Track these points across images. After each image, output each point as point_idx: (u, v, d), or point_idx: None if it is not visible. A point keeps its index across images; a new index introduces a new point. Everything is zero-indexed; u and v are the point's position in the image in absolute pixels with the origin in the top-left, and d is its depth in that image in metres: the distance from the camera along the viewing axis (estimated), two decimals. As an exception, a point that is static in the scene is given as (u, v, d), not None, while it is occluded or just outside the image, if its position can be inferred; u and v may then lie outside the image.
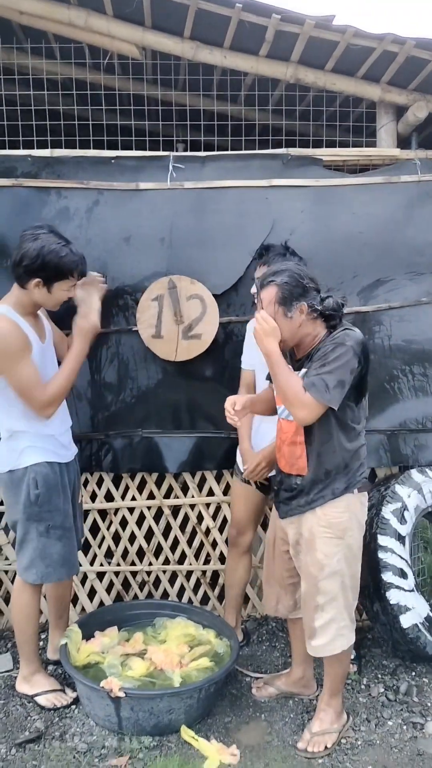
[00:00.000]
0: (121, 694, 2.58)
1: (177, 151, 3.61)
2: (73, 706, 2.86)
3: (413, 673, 3.14)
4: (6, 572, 3.50)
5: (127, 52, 3.42)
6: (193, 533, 3.57)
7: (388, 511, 3.08)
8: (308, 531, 2.57)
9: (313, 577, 2.57)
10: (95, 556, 3.51)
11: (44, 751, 2.61)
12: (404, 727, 2.79)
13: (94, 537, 3.51)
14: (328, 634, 2.57)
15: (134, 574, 3.57)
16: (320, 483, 2.53)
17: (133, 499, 3.50)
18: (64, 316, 2.91)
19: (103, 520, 3.51)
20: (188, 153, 3.35)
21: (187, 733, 2.65)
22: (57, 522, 2.77)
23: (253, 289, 2.98)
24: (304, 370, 2.49)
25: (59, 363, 2.84)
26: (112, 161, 3.27)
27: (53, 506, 2.76)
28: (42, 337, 2.76)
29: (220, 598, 3.56)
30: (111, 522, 3.51)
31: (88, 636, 2.99)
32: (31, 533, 2.74)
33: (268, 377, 2.70)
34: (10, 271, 2.67)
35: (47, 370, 2.75)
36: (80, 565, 3.18)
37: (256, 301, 2.95)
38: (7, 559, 3.46)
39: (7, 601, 3.51)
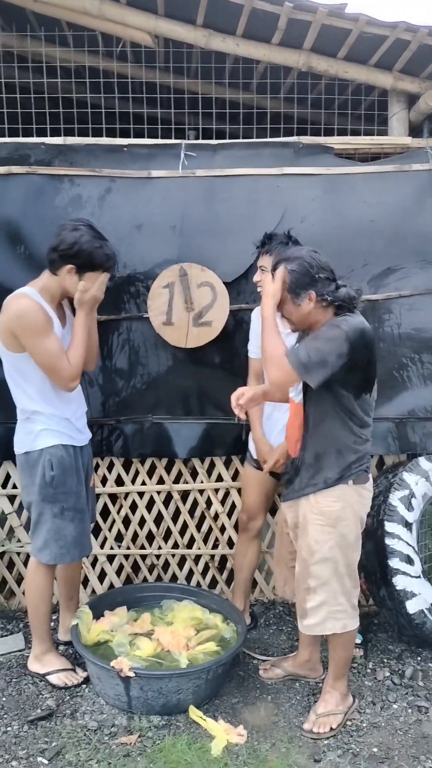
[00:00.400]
0: (131, 674, 2.63)
1: (189, 138, 3.62)
2: (84, 685, 2.92)
3: (419, 658, 3.18)
4: (18, 554, 3.55)
5: (140, 40, 3.43)
6: (202, 518, 3.61)
7: (395, 498, 3.11)
8: (302, 516, 2.63)
9: (304, 560, 2.63)
10: (105, 539, 3.56)
11: (55, 728, 2.67)
12: (409, 711, 2.83)
13: (105, 521, 3.56)
14: (319, 615, 2.62)
15: (144, 557, 3.63)
16: (311, 468, 2.57)
17: (143, 483, 3.55)
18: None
19: (114, 504, 3.56)
20: (200, 141, 3.36)
21: (195, 713, 2.70)
22: (71, 504, 2.81)
23: (257, 277, 3.01)
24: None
25: None
26: (125, 149, 3.29)
27: (67, 488, 2.80)
28: (63, 322, 2.80)
29: (228, 582, 3.61)
30: (121, 506, 3.56)
31: (98, 617, 3.05)
32: (46, 514, 2.79)
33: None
34: (46, 255, 2.72)
35: None
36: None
37: (259, 289, 3.00)
38: (19, 541, 3.52)
39: (18, 582, 3.57)
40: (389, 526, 3.06)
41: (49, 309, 2.70)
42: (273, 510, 3.45)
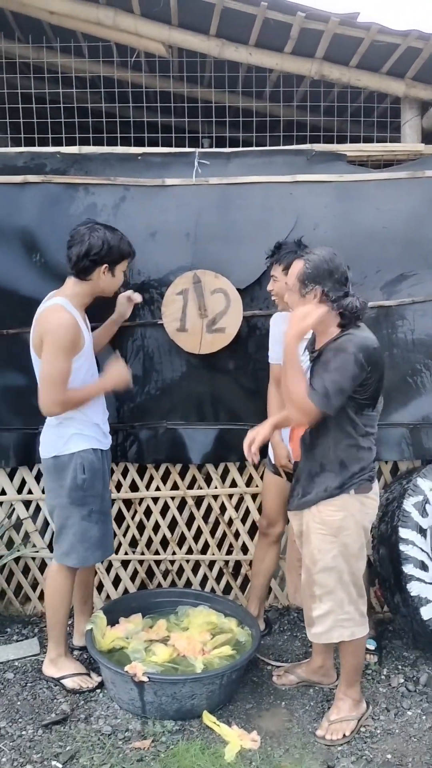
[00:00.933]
0: (145, 679, 2.64)
1: (202, 146, 3.66)
2: (98, 690, 2.93)
3: (433, 665, 3.17)
4: (33, 559, 3.58)
5: (154, 50, 3.47)
6: (216, 524, 3.62)
7: (409, 504, 3.10)
8: (306, 525, 2.64)
9: (308, 569, 2.64)
10: (120, 544, 3.58)
11: (70, 732, 2.69)
12: (423, 718, 2.81)
13: (120, 526, 3.58)
14: (326, 623, 2.62)
15: (158, 562, 3.64)
16: (315, 476, 2.57)
17: (158, 489, 3.56)
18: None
19: (128, 510, 3.58)
20: (213, 149, 3.39)
21: (208, 719, 2.71)
22: (97, 507, 2.88)
23: (270, 286, 3.02)
24: (309, 364, 2.54)
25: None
26: (139, 158, 3.33)
27: (96, 491, 2.86)
28: (88, 331, 2.88)
29: (243, 587, 3.62)
30: (136, 511, 3.58)
31: (112, 622, 3.07)
32: (74, 517, 2.84)
33: None
34: (72, 266, 2.78)
35: (90, 361, 2.89)
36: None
37: (273, 298, 3.02)
38: (34, 546, 3.55)
39: (34, 587, 3.60)
40: (403, 532, 3.05)
41: (80, 319, 2.78)
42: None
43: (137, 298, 3.17)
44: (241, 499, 3.59)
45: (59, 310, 2.72)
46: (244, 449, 2.65)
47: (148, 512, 3.59)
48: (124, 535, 3.59)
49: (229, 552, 3.64)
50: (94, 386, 2.86)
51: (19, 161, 3.32)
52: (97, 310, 3.00)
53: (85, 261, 2.75)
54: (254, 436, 2.65)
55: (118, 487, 3.55)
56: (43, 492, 3.41)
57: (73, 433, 2.81)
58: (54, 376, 2.69)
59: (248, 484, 3.56)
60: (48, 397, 2.71)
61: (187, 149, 3.36)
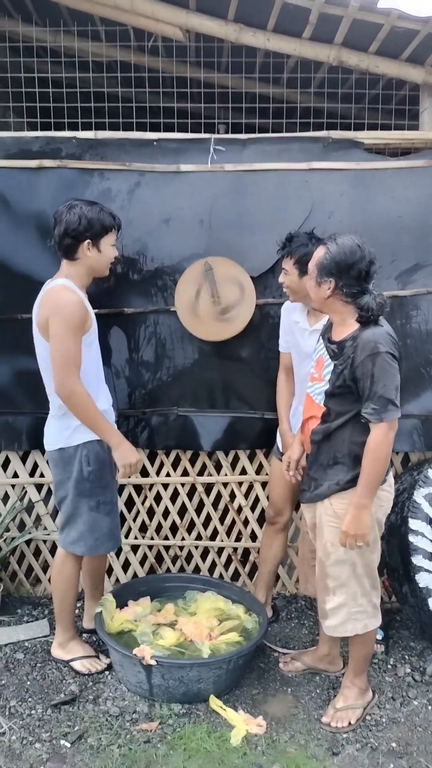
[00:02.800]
0: (153, 662, 2.67)
1: (218, 132, 3.63)
2: (107, 672, 2.97)
3: (440, 656, 3.18)
4: (45, 542, 3.61)
5: (171, 35, 3.44)
6: (225, 511, 3.63)
7: (420, 496, 3.10)
8: (319, 518, 2.64)
9: (321, 561, 2.64)
10: (130, 529, 3.61)
11: (78, 713, 2.72)
12: (429, 707, 2.83)
13: (129, 511, 3.60)
14: (339, 616, 2.63)
15: (167, 548, 3.66)
16: (328, 468, 2.56)
17: (168, 475, 3.58)
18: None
19: (138, 495, 3.60)
20: (229, 135, 3.36)
21: (215, 703, 2.74)
22: (107, 498, 2.86)
23: (281, 278, 3.00)
24: (331, 367, 2.51)
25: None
26: (154, 143, 3.31)
27: (103, 482, 2.84)
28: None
29: (251, 574, 3.64)
30: (146, 497, 3.60)
31: (121, 605, 3.10)
32: (82, 508, 2.83)
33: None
34: (57, 247, 2.77)
35: (94, 345, 2.84)
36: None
37: (285, 290, 3.00)
38: (45, 528, 3.58)
39: (44, 569, 3.64)
40: (413, 523, 3.05)
41: (85, 299, 2.75)
42: (299, 503, 3.46)
43: None
44: (250, 487, 3.60)
45: (64, 290, 2.68)
46: (285, 474, 2.84)
47: (158, 498, 3.61)
48: (134, 521, 3.61)
49: (237, 539, 3.66)
50: (107, 426, 2.74)
51: (34, 145, 3.31)
52: (95, 296, 3.00)
53: (66, 239, 2.72)
54: (288, 461, 2.82)
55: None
56: (54, 476, 3.45)
57: (78, 424, 2.74)
58: (65, 355, 2.63)
59: (258, 472, 3.57)
60: (59, 377, 2.64)
61: (202, 135, 3.35)
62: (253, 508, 3.61)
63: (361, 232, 3.17)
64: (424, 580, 3.00)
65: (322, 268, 2.45)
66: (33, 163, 3.28)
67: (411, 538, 3.04)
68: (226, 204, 3.29)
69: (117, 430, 2.81)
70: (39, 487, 3.58)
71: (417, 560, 3.02)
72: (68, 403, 2.68)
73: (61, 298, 2.66)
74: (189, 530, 3.65)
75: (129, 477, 2.90)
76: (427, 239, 3.30)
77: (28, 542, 3.60)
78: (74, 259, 2.76)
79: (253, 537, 3.63)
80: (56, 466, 2.86)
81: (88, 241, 2.72)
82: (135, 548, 3.65)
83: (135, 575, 3.64)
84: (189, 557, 3.69)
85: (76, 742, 2.56)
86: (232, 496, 3.61)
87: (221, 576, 3.65)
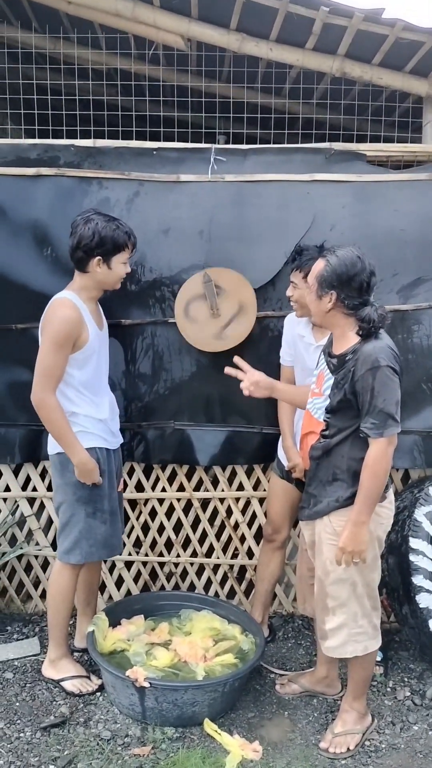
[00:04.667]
0: (146, 684, 2.59)
1: (219, 143, 3.60)
2: (98, 693, 2.89)
3: (440, 679, 3.11)
4: (36, 557, 3.54)
5: (173, 43, 3.41)
6: (222, 527, 3.56)
7: (420, 514, 3.04)
8: (318, 535, 2.58)
9: (321, 580, 2.58)
10: (124, 545, 3.52)
11: (68, 736, 2.64)
12: (430, 733, 2.75)
13: (124, 526, 3.52)
14: (339, 637, 2.56)
15: (162, 564, 3.59)
16: (327, 485, 2.51)
17: (164, 490, 3.51)
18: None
19: (133, 510, 3.53)
20: (230, 146, 3.32)
21: (210, 727, 2.66)
22: (104, 506, 2.84)
23: (289, 292, 2.95)
24: (331, 381, 2.46)
25: None
26: (154, 152, 3.27)
27: (102, 491, 2.83)
28: (100, 325, 2.87)
29: (247, 592, 3.56)
30: (140, 512, 3.53)
31: (114, 623, 3.03)
32: (79, 515, 2.80)
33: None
34: (70, 258, 2.79)
35: (102, 357, 2.88)
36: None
37: (292, 304, 2.95)
38: (37, 544, 3.50)
39: (36, 585, 3.56)
40: (414, 542, 2.99)
41: (86, 313, 2.75)
42: (297, 521, 3.40)
43: None
44: (248, 503, 3.54)
45: (63, 304, 2.72)
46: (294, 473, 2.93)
47: (153, 513, 3.54)
48: (129, 536, 3.54)
49: (234, 556, 3.58)
50: (73, 441, 2.72)
51: (32, 153, 3.26)
52: (110, 307, 2.96)
53: (78, 252, 2.74)
54: (296, 463, 2.92)
55: (124, 486, 3.49)
56: (47, 489, 3.38)
57: (78, 431, 2.76)
58: (45, 367, 2.69)
59: (255, 487, 3.50)
60: (35, 387, 2.70)
61: (203, 145, 3.30)
62: (250, 525, 3.55)
63: (362, 245, 3.15)
64: (424, 600, 2.94)
65: (323, 281, 2.41)
66: (30, 171, 3.23)
67: (411, 557, 2.98)
68: (226, 215, 3.25)
69: (83, 448, 2.75)
70: (31, 501, 3.50)
71: (417, 580, 2.96)
72: (39, 412, 2.72)
73: (56, 312, 2.71)
74: (184, 547, 3.57)
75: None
76: (429, 253, 3.26)
77: (19, 557, 3.52)
78: (85, 272, 2.78)
79: (250, 554, 3.56)
80: (56, 470, 2.85)
81: (99, 257, 2.73)
82: (129, 564, 3.58)
83: (129, 592, 3.57)
84: (184, 574, 3.61)
85: (65, 767, 2.47)
86: (229, 512, 3.54)
87: (217, 594, 3.58)
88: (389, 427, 2.33)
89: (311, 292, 2.48)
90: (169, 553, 3.57)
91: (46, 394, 2.69)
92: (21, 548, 3.46)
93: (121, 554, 3.43)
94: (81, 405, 2.79)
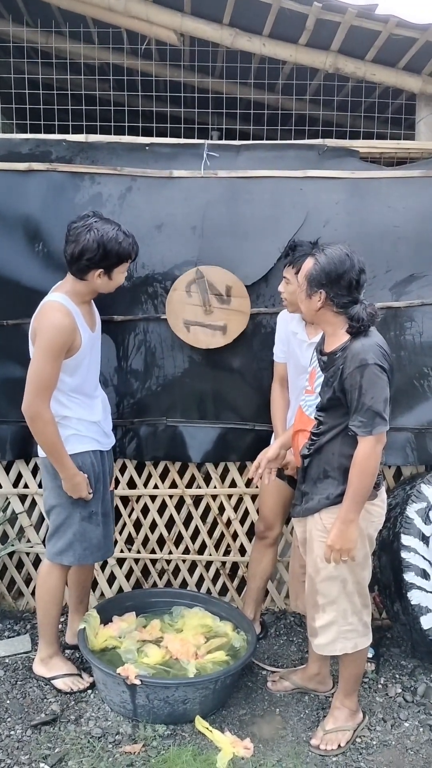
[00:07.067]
0: (137, 682, 2.58)
1: (212, 138, 3.58)
2: (89, 691, 2.88)
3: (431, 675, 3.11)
4: (27, 554, 3.52)
5: (166, 38, 3.39)
6: (214, 524, 3.56)
7: (412, 511, 3.04)
8: (309, 532, 2.58)
9: (311, 578, 2.58)
10: (116, 542, 3.51)
11: (59, 734, 2.63)
12: (421, 729, 2.76)
13: (116, 523, 3.51)
14: (329, 634, 2.56)
15: (154, 561, 3.58)
16: (318, 482, 2.50)
17: (156, 487, 3.50)
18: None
19: (125, 507, 3.52)
20: (223, 141, 3.31)
21: (201, 724, 2.65)
22: (99, 509, 2.81)
23: (281, 287, 2.95)
24: (321, 379, 2.46)
25: None
26: (147, 148, 3.25)
27: (97, 494, 2.79)
28: (92, 326, 2.78)
29: (239, 589, 3.56)
30: (132, 509, 3.52)
31: (106, 621, 3.01)
32: (73, 517, 2.76)
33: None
34: (67, 264, 2.67)
35: (93, 359, 2.80)
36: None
37: (283, 301, 2.94)
38: (29, 541, 3.49)
39: (27, 583, 3.54)
40: (405, 539, 2.99)
41: (79, 316, 2.67)
42: (289, 518, 3.40)
43: None
44: (240, 500, 3.53)
45: (56, 310, 2.60)
46: (251, 472, 2.73)
47: (145, 510, 3.53)
48: (120, 533, 3.53)
49: (226, 553, 3.58)
50: (64, 456, 2.65)
51: (23, 148, 3.24)
52: (102, 303, 2.94)
53: (80, 262, 2.63)
54: (260, 461, 2.73)
55: (116, 483, 3.48)
56: (39, 486, 3.36)
57: (71, 434, 2.70)
58: (38, 376, 2.57)
59: (248, 484, 3.49)
60: (27, 395, 2.59)
61: (196, 140, 3.29)
62: (242, 522, 3.54)
63: (356, 242, 3.15)
64: (416, 597, 2.94)
65: (312, 279, 2.40)
66: (22, 166, 3.20)
67: (403, 554, 2.98)
68: (219, 211, 3.23)
69: (73, 464, 2.69)
70: (23, 498, 3.49)
71: (409, 577, 2.96)
72: (31, 425, 2.62)
73: (50, 319, 2.59)
74: (176, 543, 3.57)
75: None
76: (422, 250, 3.25)
77: (10, 554, 3.51)
78: (83, 279, 2.68)
79: (242, 551, 3.55)
80: (48, 473, 2.78)
81: (101, 270, 2.65)
82: (121, 561, 3.57)
83: (120, 589, 3.56)
84: (176, 571, 3.60)
85: (56, 765, 2.47)
86: (221, 508, 3.53)
87: (209, 591, 3.57)
88: (377, 426, 2.33)
89: (301, 291, 2.48)
90: (161, 550, 3.57)
91: (43, 408, 2.58)
92: (12, 545, 3.45)
93: (113, 554, 3.44)
94: (73, 408, 2.73)
